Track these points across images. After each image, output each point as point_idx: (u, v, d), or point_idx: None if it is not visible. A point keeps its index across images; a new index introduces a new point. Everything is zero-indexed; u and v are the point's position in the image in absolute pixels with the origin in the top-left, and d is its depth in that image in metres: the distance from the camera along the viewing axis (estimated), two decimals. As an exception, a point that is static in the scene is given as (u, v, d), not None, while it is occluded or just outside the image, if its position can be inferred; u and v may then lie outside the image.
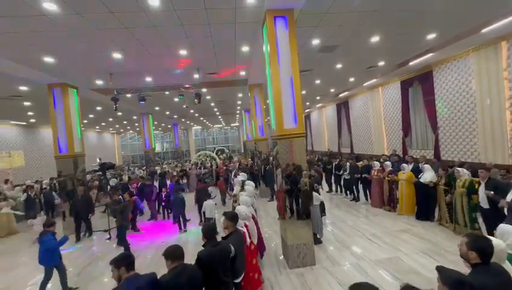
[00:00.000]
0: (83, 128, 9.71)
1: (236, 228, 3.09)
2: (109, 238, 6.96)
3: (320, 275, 4.32)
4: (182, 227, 7.28)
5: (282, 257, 5.07)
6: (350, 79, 11.33)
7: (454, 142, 9.00)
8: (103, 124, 19.83)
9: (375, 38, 6.57)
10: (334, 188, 10.24)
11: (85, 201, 7.51)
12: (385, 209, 7.43)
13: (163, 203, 8.80)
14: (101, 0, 3.97)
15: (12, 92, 8.42)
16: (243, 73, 9.03)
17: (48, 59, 6.07)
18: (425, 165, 6.64)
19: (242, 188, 5.44)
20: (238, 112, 20.25)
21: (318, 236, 5.48)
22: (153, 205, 8.78)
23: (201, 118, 22.43)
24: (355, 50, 7.35)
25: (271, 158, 11.06)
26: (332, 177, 10.15)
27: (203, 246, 2.66)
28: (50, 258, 4.30)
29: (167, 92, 10.45)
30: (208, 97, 12.81)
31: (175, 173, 12.72)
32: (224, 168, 12.54)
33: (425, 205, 6.36)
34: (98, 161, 9.72)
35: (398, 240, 5.36)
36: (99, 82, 8.36)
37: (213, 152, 22.64)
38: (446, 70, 9.06)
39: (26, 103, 10.21)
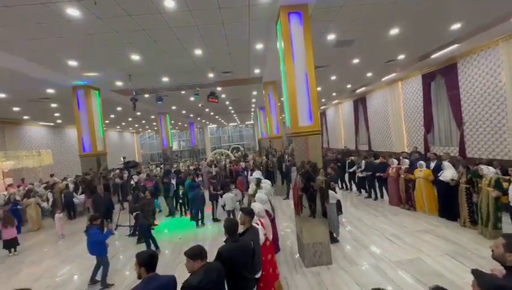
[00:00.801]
0: (104, 128, 10.14)
1: (252, 224, 3.10)
2: (130, 235, 7.21)
3: (337, 274, 4.25)
4: (200, 223, 7.47)
5: (297, 255, 5.04)
6: (368, 74, 10.98)
7: (481, 139, 8.49)
8: (123, 123, 20.60)
9: (394, 31, 6.31)
10: (348, 186, 10.07)
11: (106, 198, 7.86)
12: (403, 207, 7.19)
13: (180, 201, 9.03)
14: (120, 5, 4.11)
15: (41, 94, 8.94)
16: (257, 71, 9.02)
17: (72, 62, 6.38)
18: (445, 162, 6.33)
19: (257, 186, 5.45)
20: (252, 109, 20.29)
21: (334, 235, 5.39)
22: (171, 202, 9.03)
23: (217, 117, 22.70)
24: (373, 44, 7.11)
25: (286, 156, 11.01)
26: (347, 175, 9.96)
27: (225, 241, 2.65)
28: (100, 250, 4.64)
29: (183, 92, 10.67)
30: (223, 96, 12.93)
31: (184, 170, 13.05)
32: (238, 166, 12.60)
33: (449, 204, 6.06)
34: (122, 159, 10.11)
35: (420, 241, 5.16)
36: (119, 83, 8.68)
37: (228, 150, 22.87)
38: (472, 62, 8.53)
39: (53, 105, 10.80)
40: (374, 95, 14.72)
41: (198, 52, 6.53)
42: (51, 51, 5.66)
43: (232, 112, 20.45)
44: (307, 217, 4.57)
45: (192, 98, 11.88)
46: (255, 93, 13.07)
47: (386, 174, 7.80)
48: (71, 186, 10.28)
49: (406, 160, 7.61)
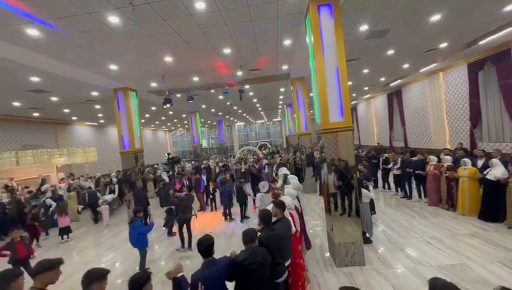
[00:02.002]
0: (141, 127, 10.83)
1: (283, 215, 3.22)
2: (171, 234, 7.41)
3: (371, 276, 4.08)
4: (228, 217, 7.70)
5: (328, 254, 4.94)
6: (404, 66, 10.26)
7: (541, 133, 7.50)
8: (157, 122, 21.79)
9: (435, 17, 5.80)
10: (384, 185, 9.57)
11: (143, 192, 8.40)
12: (442, 207, 6.67)
13: (211, 196, 9.34)
14: (155, 9, 4.33)
15: (86, 97, 9.83)
16: (285, 67, 8.93)
17: (113, 66, 6.90)
18: (494, 159, 5.71)
19: (284, 182, 5.44)
20: (280, 106, 20.16)
21: (368, 235, 5.18)
22: (202, 197, 9.38)
23: (244, 114, 22.96)
24: (411, 33, 6.61)
25: (315, 153, 10.80)
26: (380, 174, 9.47)
27: (260, 231, 2.82)
28: (143, 241, 4.95)
29: (212, 90, 10.95)
30: (251, 93, 13.03)
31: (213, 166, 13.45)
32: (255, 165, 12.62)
33: (493, 205, 5.51)
34: (167, 155, 10.75)
35: (464, 245, 4.74)
36: (153, 84, 9.19)
37: (256, 147, 23.04)
38: (530, 47, 7.54)
39: (97, 106, 11.80)
40: (411, 87, 13.72)
41: (227, 51, 6.65)
42: (95, 57, 6.17)
43: (260, 109, 20.52)
44: (338, 216, 4.45)
45: (221, 97, 12.18)
46: (282, 90, 12.96)
47: (425, 172, 7.29)
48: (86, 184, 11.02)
49: (448, 157, 7.02)
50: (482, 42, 7.79)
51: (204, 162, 16.65)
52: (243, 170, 11.74)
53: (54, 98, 9.46)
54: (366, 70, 10.40)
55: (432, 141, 12.26)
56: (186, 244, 5.96)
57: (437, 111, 11.68)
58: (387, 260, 4.53)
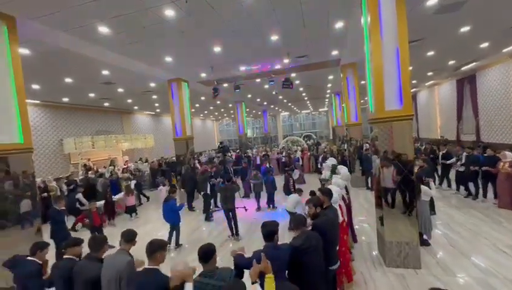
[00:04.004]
0: (191, 116, 11.54)
1: (331, 203, 3.17)
2: (209, 219, 7.66)
3: (428, 281, 3.69)
4: (271, 206, 7.79)
5: (376, 252, 4.63)
6: (481, 45, 8.68)
7: None
8: (205, 112, 22.95)
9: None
10: (437, 181, 8.57)
11: (190, 177, 9.00)
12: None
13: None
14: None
15: (145, 88, 10.84)
16: (334, 52, 8.40)
17: (168, 59, 7.40)
18: None
19: (332, 172, 5.22)
20: (327, 95, 19.23)
21: (425, 237, 4.67)
22: (247, 185, 9.66)
23: (289, 104, 22.58)
24: (493, 4, 5.51)
25: (365, 145, 10.12)
26: (438, 169, 8.49)
27: (312, 218, 2.89)
28: (174, 218, 5.57)
29: (258, 80, 10.98)
30: (297, 82, 12.68)
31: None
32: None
33: None
34: (218, 144, 11.40)
35: (554, 260, 3.94)
36: (203, 75, 9.62)
37: (300, 137, 22.59)
38: None
39: (154, 96, 12.94)
40: (489, 71, 11.61)
41: (274, 37, 6.52)
42: (153, 50, 6.70)
43: (306, 98, 19.91)
44: (390, 213, 4.10)
45: (266, 86, 12.15)
46: (331, 77, 12.28)
47: (495, 169, 6.25)
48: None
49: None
50: None
51: (248, 150, 17.06)
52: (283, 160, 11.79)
53: (120, 89, 10.67)
54: (431, 53, 9.13)
55: (514, 135, 10.32)
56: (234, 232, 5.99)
57: (524, 99, 9.71)
58: (448, 266, 4.04)
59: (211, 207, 7.91)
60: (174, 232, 5.72)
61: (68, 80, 8.53)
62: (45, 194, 8.42)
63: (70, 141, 12.62)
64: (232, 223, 5.97)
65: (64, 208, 5.41)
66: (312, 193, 5.64)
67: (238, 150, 17.40)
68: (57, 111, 12.55)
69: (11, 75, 4.23)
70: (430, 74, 13.19)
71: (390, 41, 3.89)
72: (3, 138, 4.05)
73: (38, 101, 11.43)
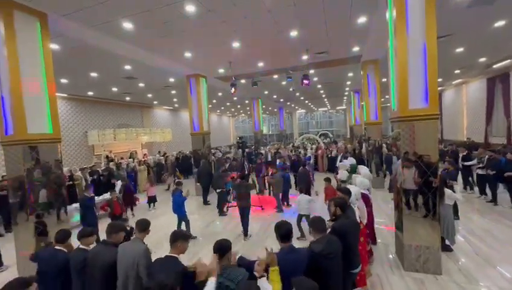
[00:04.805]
0: (208, 112, 11.70)
1: (350, 204, 3.13)
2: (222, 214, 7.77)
3: (449, 288, 3.54)
4: (285, 203, 7.78)
5: (394, 255, 4.49)
6: (518, 41, 8.09)
7: None
8: (222, 108, 23.16)
9: None
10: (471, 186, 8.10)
11: (207, 172, 9.13)
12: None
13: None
14: (226, -6, 4.46)
15: (165, 83, 11.10)
16: (355, 49, 8.15)
17: (187, 54, 7.51)
18: None
19: (350, 172, 5.10)
20: (346, 93, 18.75)
21: (447, 242, 4.47)
22: (261, 181, 9.66)
23: (306, 101, 22.26)
24: (535, -4, 5.10)
25: (385, 145, 9.80)
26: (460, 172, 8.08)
27: (333, 220, 2.84)
28: (180, 209, 5.75)
29: (276, 76, 10.90)
30: (315, 79, 12.45)
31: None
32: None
33: None
34: (237, 138, 11.56)
35: None
36: (221, 70, 9.68)
37: (316, 136, 22.24)
38: None
39: (173, 92, 13.22)
40: (525, 69, 10.80)
41: (294, 33, 6.42)
42: (173, 46, 6.82)
43: (323, 96, 19.53)
44: (410, 215, 3.95)
45: (284, 83, 12.05)
46: (350, 74, 11.95)
47: None
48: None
49: None
50: None
51: (261, 147, 17.04)
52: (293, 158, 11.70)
53: (141, 84, 10.99)
54: (460, 50, 8.63)
55: (551, 139, 9.56)
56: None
57: None
58: (471, 274, 3.84)
59: (229, 199, 8.03)
60: (184, 224, 5.85)
61: (93, 74, 8.90)
62: (70, 182, 8.90)
63: (94, 133, 13.21)
64: (244, 221, 5.78)
65: (93, 194, 5.85)
66: (327, 179, 5.57)
67: (252, 146, 17.46)
68: (82, 104, 13.16)
69: (43, 69, 4.47)
70: (457, 71, 12.48)
71: (417, 36, 3.71)
72: (35, 128, 4.31)
73: (65, 95, 12.04)
